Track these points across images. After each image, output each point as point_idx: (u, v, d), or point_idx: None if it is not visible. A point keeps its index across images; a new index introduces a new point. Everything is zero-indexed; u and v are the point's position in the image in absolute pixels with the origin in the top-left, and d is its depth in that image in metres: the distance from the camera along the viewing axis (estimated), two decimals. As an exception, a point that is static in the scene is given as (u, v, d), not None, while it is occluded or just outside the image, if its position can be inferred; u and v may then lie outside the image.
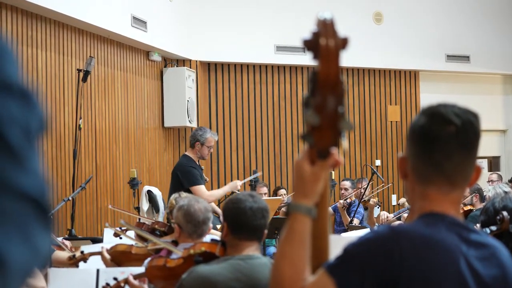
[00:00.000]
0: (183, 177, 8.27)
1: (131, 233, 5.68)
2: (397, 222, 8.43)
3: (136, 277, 4.26)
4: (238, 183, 8.51)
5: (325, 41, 1.74)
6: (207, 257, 3.87)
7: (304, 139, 1.83)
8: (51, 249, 5.37)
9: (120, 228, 5.71)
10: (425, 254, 1.96)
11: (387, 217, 9.48)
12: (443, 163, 2.06)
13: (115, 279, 4.37)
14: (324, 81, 1.74)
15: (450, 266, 1.98)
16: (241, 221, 3.74)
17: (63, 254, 5.55)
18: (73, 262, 5.21)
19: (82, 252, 5.26)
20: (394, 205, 12.33)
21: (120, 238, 5.58)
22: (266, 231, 3.84)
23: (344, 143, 1.81)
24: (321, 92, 1.75)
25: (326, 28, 1.74)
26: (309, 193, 1.90)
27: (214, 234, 5.60)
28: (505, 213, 4.44)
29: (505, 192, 6.72)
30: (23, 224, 1.04)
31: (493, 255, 2.06)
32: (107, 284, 4.37)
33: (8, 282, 1.00)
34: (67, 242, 6.00)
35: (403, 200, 11.20)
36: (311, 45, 1.76)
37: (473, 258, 2.02)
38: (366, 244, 1.96)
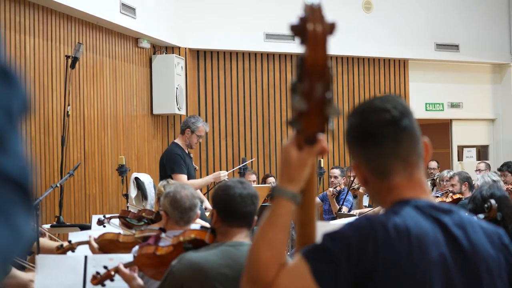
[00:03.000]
0: (167, 164, 8.26)
1: (115, 221, 5.66)
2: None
3: (126, 265, 4.25)
4: (222, 174, 8.42)
5: (312, 26, 1.73)
6: (197, 244, 3.86)
7: (291, 125, 1.82)
8: (36, 235, 5.36)
9: (104, 216, 5.70)
10: (399, 243, 1.95)
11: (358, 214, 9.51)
12: (396, 148, 2.05)
13: (105, 267, 4.36)
14: (312, 66, 1.73)
15: (426, 253, 1.97)
16: (231, 208, 3.74)
17: (51, 243, 5.54)
18: (61, 252, 5.20)
19: (69, 241, 5.25)
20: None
21: (104, 226, 5.57)
22: (256, 218, 3.83)
23: (331, 127, 1.80)
24: (308, 78, 1.74)
25: (313, 13, 1.73)
26: (295, 179, 1.89)
27: (198, 223, 5.59)
28: (492, 201, 4.46)
29: (494, 181, 6.75)
30: (4, 207, 1.02)
31: (462, 235, 2.04)
32: (97, 273, 4.35)
33: None
34: (44, 229, 5.97)
35: None
36: (298, 30, 1.75)
37: (447, 241, 2.02)
38: (342, 235, 1.94)
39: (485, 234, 2.09)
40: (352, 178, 10.00)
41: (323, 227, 2.26)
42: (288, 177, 1.90)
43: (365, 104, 2.11)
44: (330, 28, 1.74)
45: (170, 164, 8.24)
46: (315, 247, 1.93)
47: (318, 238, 1.97)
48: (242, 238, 3.78)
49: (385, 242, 1.94)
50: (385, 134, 2.05)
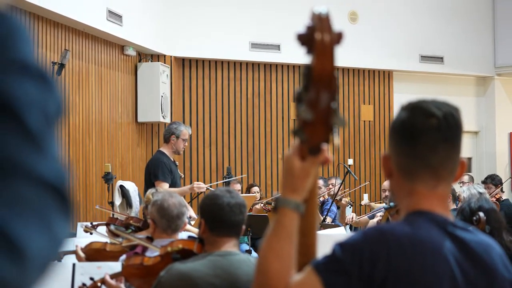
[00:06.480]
0: (151, 171, 8.25)
1: (102, 229, 5.62)
2: (375, 220, 8.45)
3: (112, 276, 4.22)
4: (196, 186, 8.27)
5: (320, 36, 1.72)
6: (185, 254, 3.84)
7: (295, 135, 1.80)
8: None
9: (91, 223, 5.65)
10: (412, 255, 1.94)
11: (352, 218, 9.52)
12: (428, 156, 2.04)
13: (91, 279, 4.32)
14: (319, 76, 1.72)
15: (437, 266, 1.96)
16: (219, 217, 3.71)
17: None
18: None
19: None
20: (361, 205, 12.26)
21: (91, 234, 5.52)
22: (244, 227, 3.81)
23: (336, 139, 1.79)
24: (314, 88, 1.73)
25: (321, 22, 1.72)
26: (298, 189, 1.88)
27: (189, 230, 5.57)
28: (481, 214, 4.47)
29: (480, 193, 6.76)
30: (42, 212, 1.00)
31: (484, 253, 2.04)
32: (84, 284, 4.31)
33: (27, 272, 0.96)
34: None
35: (365, 201, 11.26)
36: (305, 39, 1.74)
37: (462, 257, 2.00)
38: (354, 245, 1.93)
39: (498, 255, 2.08)
40: (333, 188, 10.01)
41: (321, 239, 2.25)
42: (291, 187, 1.88)
43: (419, 102, 2.10)
44: (338, 38, 1.73)
45: (155, 171, 8.22)
46: (326, 259, 1.91)
47: (319, 248, 1.96)
48: (231, 247, 3.76)
49: (397, 253, 1.93)
50: (423, 139, 2.04)
